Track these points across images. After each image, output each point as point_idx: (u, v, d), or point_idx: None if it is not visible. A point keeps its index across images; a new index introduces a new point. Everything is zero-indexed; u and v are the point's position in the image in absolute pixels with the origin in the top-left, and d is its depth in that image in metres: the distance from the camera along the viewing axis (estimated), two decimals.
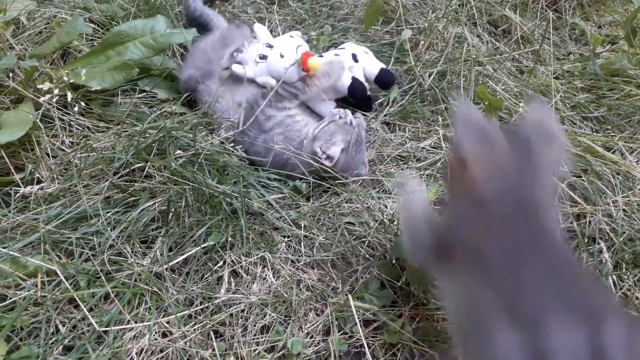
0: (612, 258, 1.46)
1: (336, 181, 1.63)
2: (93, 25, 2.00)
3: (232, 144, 1.67)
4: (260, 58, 1.84)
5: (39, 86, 1.65)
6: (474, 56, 2.10)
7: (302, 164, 1.63)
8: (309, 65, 1.75)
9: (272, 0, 2.41)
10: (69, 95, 1.65)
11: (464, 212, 1.03)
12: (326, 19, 2.30)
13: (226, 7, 2.35)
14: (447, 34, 2.18)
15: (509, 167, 1.00)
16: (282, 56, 1.80)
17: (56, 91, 1.64)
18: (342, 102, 1.87)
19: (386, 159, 1.78)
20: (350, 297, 1.30)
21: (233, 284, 1.35)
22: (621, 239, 1.48)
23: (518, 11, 2.38)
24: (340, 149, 1.60)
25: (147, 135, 1.52)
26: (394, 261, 1.42)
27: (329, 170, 1.62)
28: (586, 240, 1.50)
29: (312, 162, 1.61)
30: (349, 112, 1.72)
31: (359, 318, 1.28)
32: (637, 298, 1.40)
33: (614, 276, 1.42)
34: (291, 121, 1.70)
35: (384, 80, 1.93)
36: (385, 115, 1.92)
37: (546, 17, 2.41)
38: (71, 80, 1.69)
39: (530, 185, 1.00)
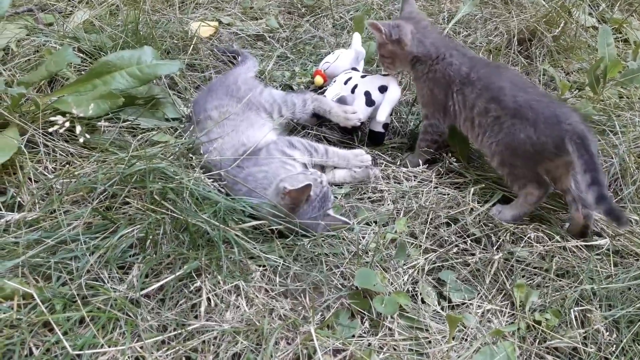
0: None
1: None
2: (82, 55, 2.06)
3: (212, 180, 1.70)
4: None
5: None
6: None
7: (266, 208, 1.64)
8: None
9: (257, 37, 2.51)
10: (78, 128, 1.56)
11: None
12: (309, 57, 2.40)
13: (213, 42, 2.43)
14: None
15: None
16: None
17: (67, 124, 1.58)
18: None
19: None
20: (313, 330, 1.32)
21: (207, 312, 1.38)
22: None
23: (491, 56, 2.51)
24: (305, 184, 1.58)
25: (130, 165, 1.56)
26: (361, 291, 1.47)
27: (291, 217, 1.62)
28: None
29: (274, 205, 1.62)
30: (321, 174, 1.75)
31: (328, 347, 1.32)
32: None
33: None
34: (279, 166, 1.73)
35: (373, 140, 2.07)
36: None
37: (518, 62, 2.54)
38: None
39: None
